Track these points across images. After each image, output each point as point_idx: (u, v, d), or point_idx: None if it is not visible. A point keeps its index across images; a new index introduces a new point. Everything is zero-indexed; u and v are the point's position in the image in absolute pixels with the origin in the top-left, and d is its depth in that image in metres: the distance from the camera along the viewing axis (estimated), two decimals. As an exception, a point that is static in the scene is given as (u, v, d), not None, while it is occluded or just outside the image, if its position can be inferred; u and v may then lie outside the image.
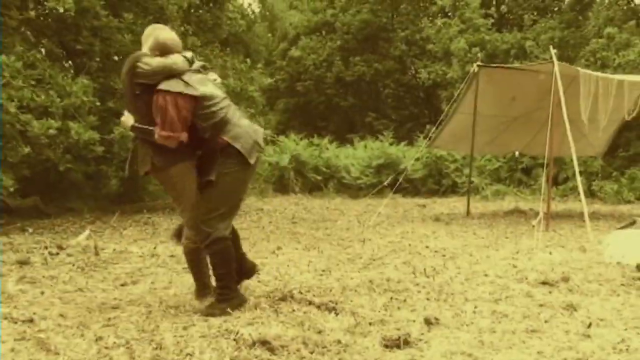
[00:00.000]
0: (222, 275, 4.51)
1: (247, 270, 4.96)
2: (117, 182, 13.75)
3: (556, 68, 9.45)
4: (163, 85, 4.31)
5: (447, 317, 4.35)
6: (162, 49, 4.44)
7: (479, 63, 11.47)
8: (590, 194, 14.66)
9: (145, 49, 4.51)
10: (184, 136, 4.33)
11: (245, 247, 7.62)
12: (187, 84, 4.35)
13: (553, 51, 9.73)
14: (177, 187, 4.48)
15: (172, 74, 4.35)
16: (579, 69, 10.24)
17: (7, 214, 9.40)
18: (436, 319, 4.21)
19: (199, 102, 4.35)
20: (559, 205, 13.40)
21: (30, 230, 8.58)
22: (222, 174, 4.41)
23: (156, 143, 4.31)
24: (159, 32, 4.53)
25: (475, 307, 4.63)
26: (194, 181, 4.51)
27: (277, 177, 17.38)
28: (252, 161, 4.50)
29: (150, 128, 4.31)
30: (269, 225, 10.19)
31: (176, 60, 4.40)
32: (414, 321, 4.23)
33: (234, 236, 4.82)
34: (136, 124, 4.38)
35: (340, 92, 26.87)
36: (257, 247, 7.72)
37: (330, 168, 17.87)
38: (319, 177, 17.57)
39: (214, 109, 4.42)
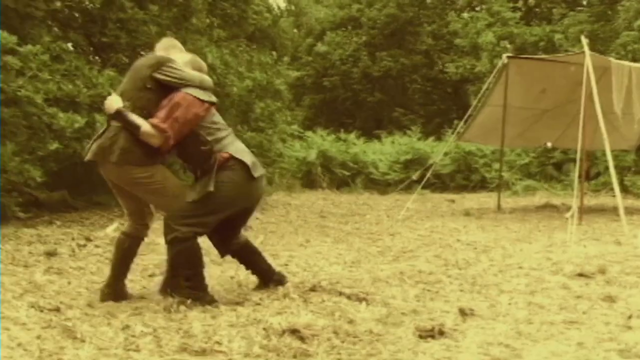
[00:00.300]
0: (189, 275, 4.30)
1: (276, 280, 4.85)
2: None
3: (588, 59, 9.22)
4: (189, 89, 4.32)
5: (482, 308, 4.23)
6: (197, 68, 4.54)
7: (508, 54, 11.28)
8: (623, 188, 14.34)
9: (161, 53, 4.53)
10: (171, 141, 4.24)
11: (273, 240, 7.63)
12: (209, 95, 4.43)
13: (585, 41, 9.49)
14: (155, 187, 4.31)
15: (200, 87, 4.41)
16: (611, 59, 10.00)
17: (36, 207, 9.41)
18: (471, 309, 4.09)
19: (210, 113, 4.39)
20: (591, 200, 13.14)
21: (58, 223, 8.56)
22: (220, 182, 4.25)
23: (137, 138, 4.21)
24: (194, 57, 4.69)
25: (511, 299, 4.50)
26: (176, 180, 4.48)
27: (304, 173, 17.29)
28: (256, 174, 4.40)
29: (137, 121, 4.19)
30: (297, 219, 10.11)
31: (208, 79, 4.55)
32: (447, 312, 4.11)
33: (251, 251, 4.80)
34: (123, 110, 4.22)
35: (367, 88, 26.68)
36: (285, 240, 7.65)
37: (358, 163, 17.74)
38: (347, 173, 17.46)
39: (220, 126, 4.45)
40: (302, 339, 3.45)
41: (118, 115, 4.22)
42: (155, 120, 4.19)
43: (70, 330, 3.58)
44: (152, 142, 4.21)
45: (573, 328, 3.79)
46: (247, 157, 4.43)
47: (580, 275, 5.27)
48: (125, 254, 4.55)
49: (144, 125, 4.18)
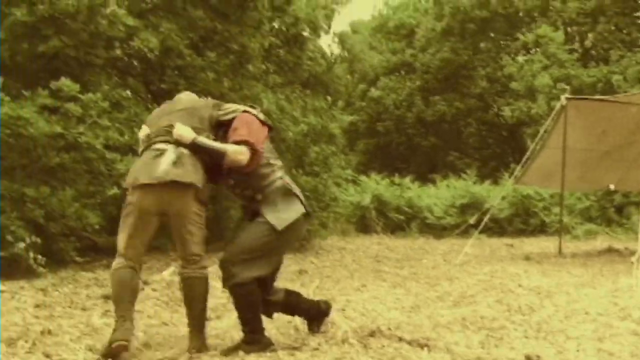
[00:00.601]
0: (249, 319, 4.18)
1: (323, 309, 4.75)
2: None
3: (649, 98, 9.02)
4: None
5: (550, 355, 4.06)
6: None
7: (567, 96, 11.10)
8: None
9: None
10: (262, 153, 4.17)
11: (329, 284, 7.53)
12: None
13: (647, 81, 9.30)
14: (202, 222, 4.22)
15: None
16: (675, 98, 9.76)
17: (93, 251, 9.51)
18: (538, 356, 3.93)
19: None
20: (656, 245, 12.69)
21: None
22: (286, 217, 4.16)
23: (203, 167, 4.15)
24: None
25: (579, 345, 4.32)
26: None
27: (358, 217, 17.17)
28: (309, 210, 4.36)
29: (219, 145, 4.13)
30: (352, 264, 9.99)
31: None
32: (513, 359, 3.95)
33: (294, 298, 4.67)
34: (202, 139, 4.12)
35: (421, 132, 26.56)
36: (340, 285, 7.54)
37: (413, 208, 17.54)
38: (402, 217, 17.27)
39: (273, 152, 4.44)
40: (363, 386, 3.35)
41: (195, 144, 4.10)
42: (239, 137, 4.11)
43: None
44: (240, 159, 4.07)
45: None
46: (297, 190, 4.34)
47: (650, 322, 5.05)
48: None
49: (228, 146, 4.10)
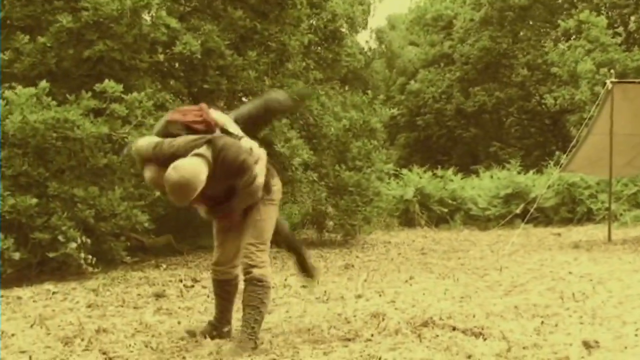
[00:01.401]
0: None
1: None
2: (244, 221, 13.95)
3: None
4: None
5: (607, 340, 3.99)
6: None
7: (612, 80, 10.90)
8: None
9: None
10: None
11: (376, 277, 7.51)
12: None
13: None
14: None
15: None
16: None
17: (142, 251, 9.66)
18: (596, 341, 3.87)
19: None
20: None
21: (164, 266, 8.73)
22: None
23: None
24: None
25: (637, 330, 4.24)
26: None
27: (402, 211, 17.07)
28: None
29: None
30: (398, 257, 9.95)
31: None
32: (571, 344, 3.90)
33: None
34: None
35: (462, 124, 26.38)
36: (388, 278, 7.51)
37: (456, 200, 17.38)
38: (445, 210, 17.12)
39: None
40: (420, 374, 3.34)
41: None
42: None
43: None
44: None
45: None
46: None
47: None
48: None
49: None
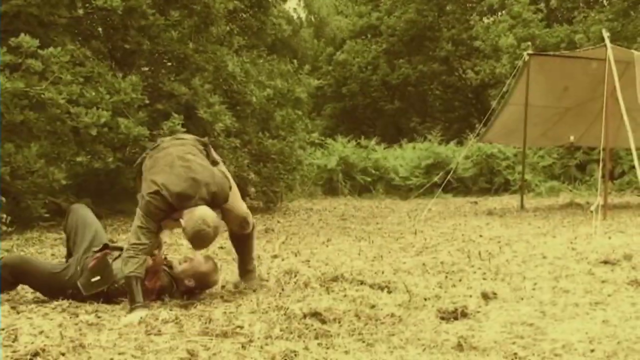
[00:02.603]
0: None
1: None
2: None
3: (609, 51, 9.13)
4: None
5: (506, 292, 4.20)
6: None
7: (529, 52, 11.21)
8: (648, 187, 14.17)
9: None
10: None
11: (294, 240, 7.62)
12: None
13: (606, 34, 9.41)
14: None
15: None
16: (634, 51, 9.87)
17: (59, 215, 9.48)
18: (494, 293, 4.06)
19: None
20: (615, 199, 12.98)
21: (82, 229, 8.61)
22: None
23: None
24: None
25: (535, 284, 4.46)
26: None
27: (325, 180, 17.23)
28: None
29: None
30: (319, 222, 10.08)
31: None
32: (470, 296, 4.08)
33: None
34: None
35: (386, 95, 26.66)
36: (306, 240, 7.63)
37: (379, 169, 17.64)
38: (368, 179, 17.36)
39: None
40: (323, 321, 3.44)
41: None
42: None
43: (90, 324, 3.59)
44: None
45: (598, 309, 3.74)
46: None
47: (605, 262, 5.21)
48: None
49: None
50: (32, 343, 3.12)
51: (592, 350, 2.95)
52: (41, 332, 3.36)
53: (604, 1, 21.55)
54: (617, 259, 5.26)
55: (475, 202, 13.75)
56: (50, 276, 4.24)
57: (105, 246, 4.28)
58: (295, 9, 26.69)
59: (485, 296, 3.99)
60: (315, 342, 3.09)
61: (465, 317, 3.55)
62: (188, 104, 9.97)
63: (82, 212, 4.64)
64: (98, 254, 4.21)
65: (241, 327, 3.34)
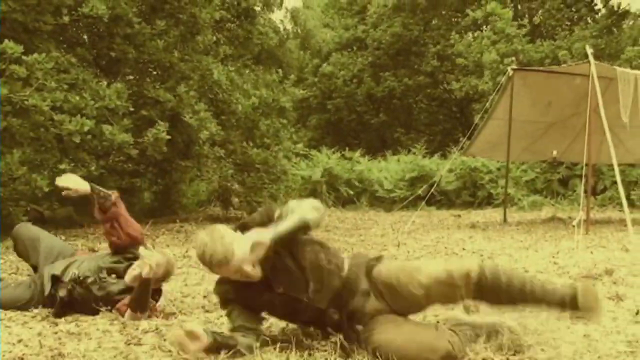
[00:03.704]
0: None
1: None
2: (151, 196, 13.79)
3: (592, 67, 9.22)
4: None
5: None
6: None
7: (513, 67, 11.29)
8: (630, 203, 14.27)
9: None
10: None
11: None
12: None
13: (589, 50, 9.50)
14: None
15: None
16: (617, 67, 9.98)
17: (41, 223, 9.39)
18: (475, 306, 4.05)
19: None
20: (597, 215, 13.08)
21: (63, 237, 8.53)
22: None
23: None
24: None
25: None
26: None
27: (309, 191, 17.23)
28: None
29: None
30: (302, 233, 10.05)
31: None
32: (452, 309, 4.07)
33: None
34: None
35: (371, 109, 26.78)
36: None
37: (363, 182, 17.70)
38: (352, 191, 17.42)
39: None
40: (306, 333, 3.43)
41: None
42: None
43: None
44: None
45: (579, 323, 3.74)
46: None
47: (587, 277, 5.24)
48: None
49: None
50: (11, 352, 3.10)
51: (573, 364, 2.96)
52: (20, 341, 3.34)
53: (588, 18, 21.80)
54: (599, 274, 5.29)
55: (459, 215, 13.80)
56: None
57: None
58: (282, 20, 26.81)
59: (467, 309, 3.99)
60: (297, 354, 3.08)
61: (447, 330, 3.55)
62: (173, 111, 9.96)
63: (24, 231, 4.70)
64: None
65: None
